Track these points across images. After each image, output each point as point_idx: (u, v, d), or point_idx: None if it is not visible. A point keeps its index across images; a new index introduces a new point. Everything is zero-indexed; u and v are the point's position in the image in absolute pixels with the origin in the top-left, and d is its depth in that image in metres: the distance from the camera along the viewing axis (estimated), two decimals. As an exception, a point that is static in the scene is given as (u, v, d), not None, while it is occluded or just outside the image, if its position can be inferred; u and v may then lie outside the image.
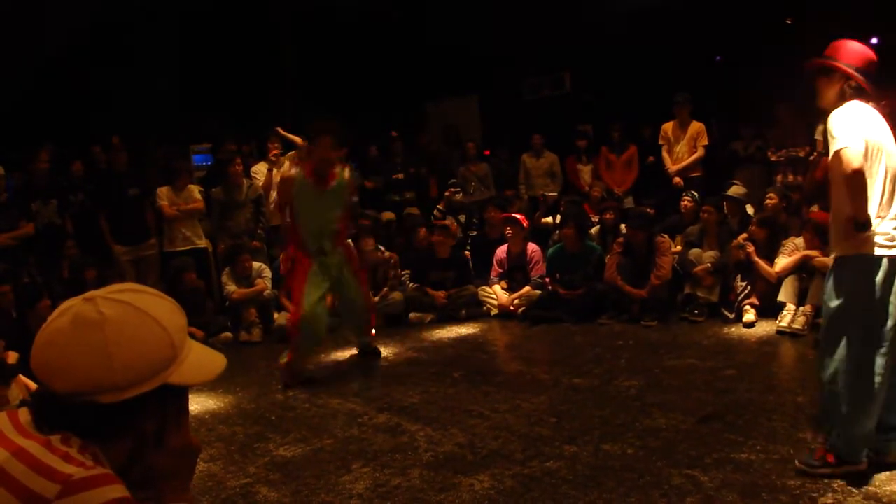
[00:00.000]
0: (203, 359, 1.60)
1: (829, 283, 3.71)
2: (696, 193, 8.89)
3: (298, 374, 6.43)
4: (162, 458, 1.56)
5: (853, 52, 3.70)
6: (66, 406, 1.42)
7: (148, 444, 1.53)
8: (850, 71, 3.65)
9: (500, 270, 8.67)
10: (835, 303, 3.68)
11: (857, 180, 3.48)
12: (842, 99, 3.67)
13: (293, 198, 6.36)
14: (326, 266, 6.41)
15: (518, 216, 8.80)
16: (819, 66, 3.78)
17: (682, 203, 8.87)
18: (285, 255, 6.59)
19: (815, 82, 3.82)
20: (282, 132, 9.18)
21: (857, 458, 3.71)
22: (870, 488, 3.60)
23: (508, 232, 8.71)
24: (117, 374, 1.42)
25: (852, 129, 3.52)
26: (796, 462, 3.83)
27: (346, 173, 6.59)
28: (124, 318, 1.46)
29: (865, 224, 3.51)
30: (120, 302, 1.48)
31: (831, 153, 3.57)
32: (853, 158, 3.45)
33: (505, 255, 8.70)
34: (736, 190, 8.43)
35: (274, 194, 9.13)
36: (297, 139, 9.18)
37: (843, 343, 3.64)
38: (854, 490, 3.59)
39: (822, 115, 3.85)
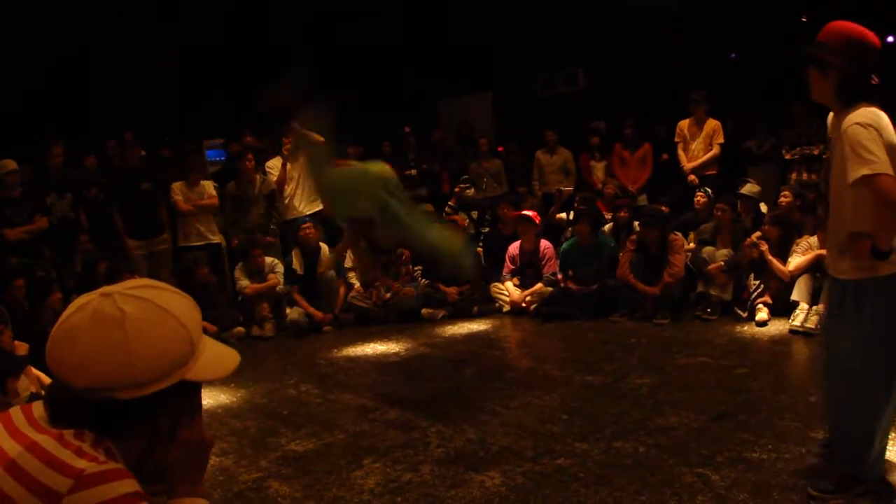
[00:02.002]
0: (218, 355, 1.61)
1: (848, 309, 3.38)
2: (709, 190, 8.87)
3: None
4: (175, 452, 1.56)
5: (851, 40, 3.29)
6: (83, 401, 1.43)
7: (161, 439, 1.54)
8: (852, 68, 3.26)
9: (513, 267, 8.67)
10: (857, 329, 3.37)
11: (894, 211, 3.14)
12: (845, 97, 3.31)
13: None
14: None
15: (530, 213, 8.79)
16: (814, 58, 3.37)
17: (696, 199, 8.85)
18: None
19: (809, 73, 3.40)
20: (297, 127, 9.18)
21: (870, 474, 3.57)
22: (883, 488, 3.58)
23: (520, 231, 8.71)
24: (138, 371, 1.43)
25: (881, 147, 3.13)
26: (810, 490, 3.61)
27: None
28: (144, 315, 1.47)
29: (888, 253, 3.21)
30: (139, 298, 1.49)
31: (856, 169, 3.12)
32: (893, 189, 3.08)
33: (518, 252, 8.69)
34: (750, 188, 8.41)
35: (288, 189, 9.15)
36: (314, 135, 9.17)
37: (871, 367, 3.42)
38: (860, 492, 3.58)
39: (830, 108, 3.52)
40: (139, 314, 1.46)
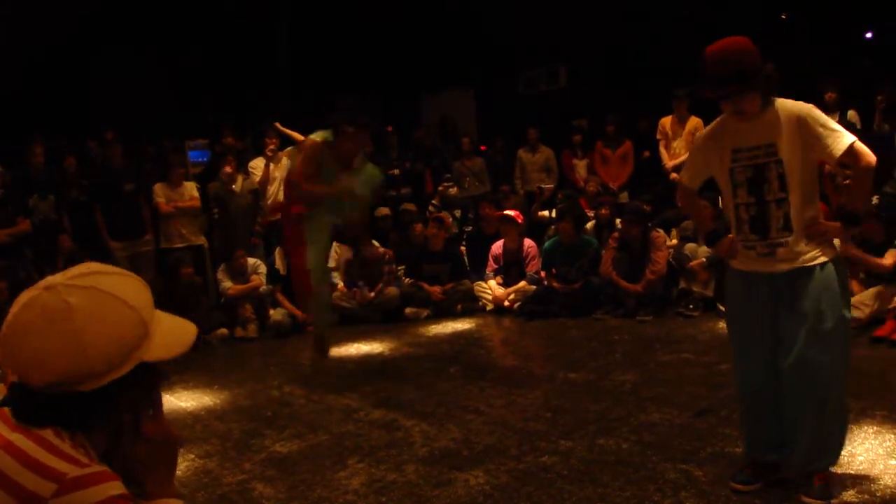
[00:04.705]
0: (174, 330, 1.59)
1: (836, 290, 3.39)
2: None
3: (324, 344, 6.43)
4: (141, 448, 1.55)
5: (750, 49, 3.32)
6: (43, 399, 1.41)
7: (126, 432, 1.52)
8: (767, 68, 3.32)
9: (496, 266, 8.68)
10: (844, 311, 3.42)
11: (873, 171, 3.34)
12: (767, 96, 3.37)
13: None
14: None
15: (512, 213, 8.80)
16: (748, 84, 3.30)
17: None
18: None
19: (738, 101, 3.36)
20: (280, 127, 9.15)
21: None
22: (863, 485, 3.61)
23: (503, 231, 8.74)
24: (94, 362, 1.41)
25: None
26: (803, 498, 3.50)
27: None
28: (91, 304, 1.45)
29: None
30: (83, 288, 1.46)
31: (841, 142, 3.24)
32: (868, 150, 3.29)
33: (501, 251, 8.71)
34: None
35: (271, 189, 9.11)
36: (295, 134, 9.13)
37: (847, 349, 3.53)
38: (847, 484, 3.61)
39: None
40: (86, 304, 1.44)
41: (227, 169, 9.08)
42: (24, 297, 1.48)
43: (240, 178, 9.17)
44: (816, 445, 3.48)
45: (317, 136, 6.07)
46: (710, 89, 3.36)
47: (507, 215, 8.76)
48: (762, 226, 3.47)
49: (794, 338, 3.41)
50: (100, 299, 1.46)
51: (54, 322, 1.42)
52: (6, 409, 1.48)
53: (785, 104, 3.38)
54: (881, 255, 6.48)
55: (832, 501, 3.46)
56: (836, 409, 3.52)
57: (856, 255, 6.39)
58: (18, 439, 1.39)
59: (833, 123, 3.34)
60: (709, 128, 3.67)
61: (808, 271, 3.40)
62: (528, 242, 8.73)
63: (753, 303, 3.55)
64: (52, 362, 1.40)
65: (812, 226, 3.39)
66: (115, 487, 1.38)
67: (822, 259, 3.40)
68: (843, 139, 3.26)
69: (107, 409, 1.47)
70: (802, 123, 3.31)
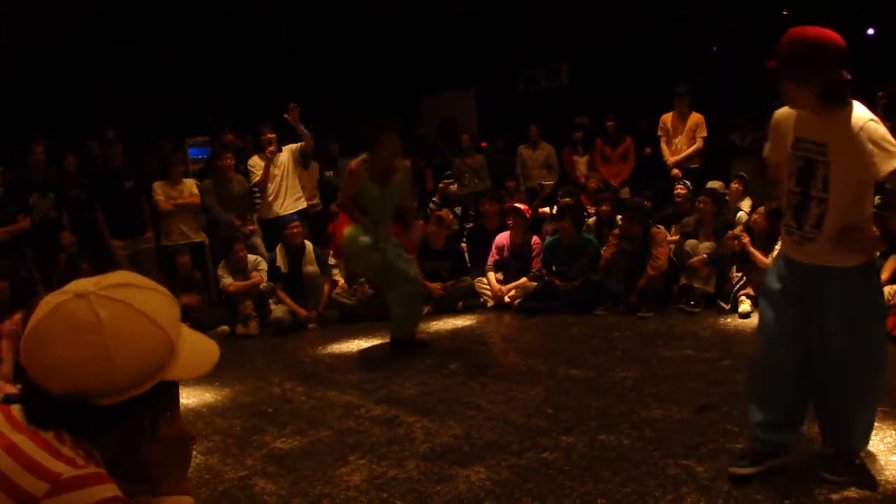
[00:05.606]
0: (198, 350, 1.58)
1: (865, 296, 3.47)
2: (688, 182, 8.92)
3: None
4: (156, 449, 1.55)
5: (819, 44, 3.28)
6: (60, 405, 1.41)
7: (142, 437, 1.52)
8: (835, 74, 3.27)
9: (497, 257, 8.68)
10: (873, 317, 3.52)
11: None
12: (835, 100, 3.31)
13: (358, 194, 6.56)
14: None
15: (521, 206, 8.81)
16: (790, 75, 3.34)
17: (676, 190, 8.88)
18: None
19: (783, 85, 3.41)
20: (295, 112, 8.69)
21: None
22: (865, 481, 3.60)
23: (510, 222, 8.73)
24: (118, 378, 1.41)
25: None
26: (825, 475, 3.64)
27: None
28: (122, 321, 1.43)
29: None
30: (115, 301, 1.45)
31: (889, 162, 3.19)
32: None
33: (506, 243, 8.70)
34: (713, 183, 8.56)
35: (271, 187, 9.07)
36: (300, 127, 8.91)
37: (877, 353, 3.58)
38: (849, 480, 3.60)
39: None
40: (117, 320, 1.43)
41: (226, 162, 9.09)
42: (53, 300, 1.46)
43: (235, 177, 9.19)
44: (847, 430, 3.65)
45: (357, 159, 6.60)
46: (769, 61, 3.38)
47: (515, 206, 8.76)
48: (800, 217, 3.51)
49: (821, 339, 3.48)
50: (131, 317, 1.45)
51: (82, 333, 1.41)
52: (13, 407, 1.47)
53: (853, 112, 3.30)
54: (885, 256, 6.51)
55: (833, 497, 3.47)
56: (869, 405, 3.67)
57: None
58: (21, 440, 1.39)
59: (890, 142, 3.23)
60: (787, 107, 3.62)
61: (839, 273, 3.44)
62: (535, 238, 8.73)
63: (786, 283, 3.61)
64: (75, 372, 1.39)
65: (848, 230, 3.35)
66: (109, 490, 1.38)
67: (853, 262, 3.42)
68: (893, 161, 3.20)
69: (120, 421, 1.47)
70: (857, 136, 3.26)
